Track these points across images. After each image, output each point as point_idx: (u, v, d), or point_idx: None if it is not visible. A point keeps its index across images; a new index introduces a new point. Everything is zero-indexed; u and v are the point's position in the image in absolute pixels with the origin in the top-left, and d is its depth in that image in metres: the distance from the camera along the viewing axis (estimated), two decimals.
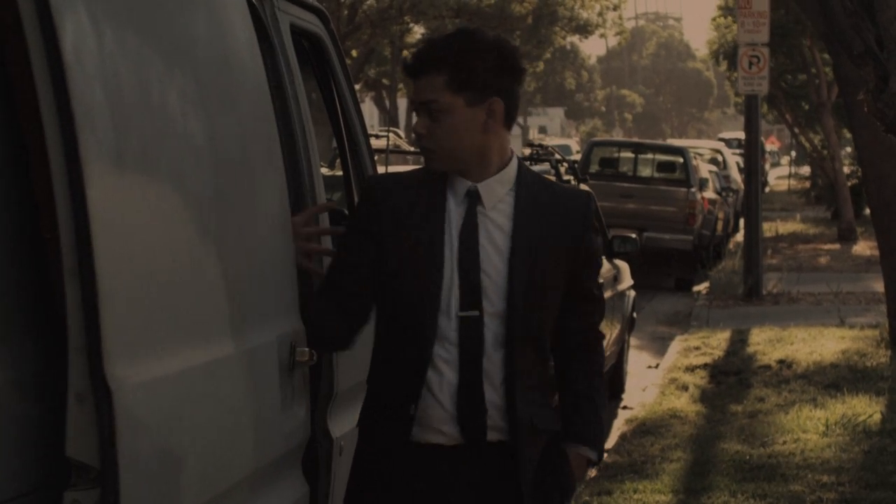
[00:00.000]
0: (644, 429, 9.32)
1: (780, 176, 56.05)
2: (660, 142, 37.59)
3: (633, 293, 11.79)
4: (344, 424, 3.74)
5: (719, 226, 23.99)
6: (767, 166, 51.50)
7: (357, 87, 36.41)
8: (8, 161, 2.47)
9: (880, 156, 11.93)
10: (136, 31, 2.60)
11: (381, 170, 4.67)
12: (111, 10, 2.53)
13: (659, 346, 14.25)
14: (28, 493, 2.38)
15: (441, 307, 3.27)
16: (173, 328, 2.62)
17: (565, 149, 45.21)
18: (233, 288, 2.89)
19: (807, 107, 32.96)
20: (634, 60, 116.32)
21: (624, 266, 11.45)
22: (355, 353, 3.51)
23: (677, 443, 8.76)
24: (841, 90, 13.32)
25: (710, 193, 22.75)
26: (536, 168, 12.60)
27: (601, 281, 10.24)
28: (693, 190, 20.44)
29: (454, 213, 3.31)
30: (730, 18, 32.92)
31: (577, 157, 27.75)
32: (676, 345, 13.67)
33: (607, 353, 10.39)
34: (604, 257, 10.88)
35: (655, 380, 11.68)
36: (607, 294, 10.32)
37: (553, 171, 10.06)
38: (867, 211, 19.08)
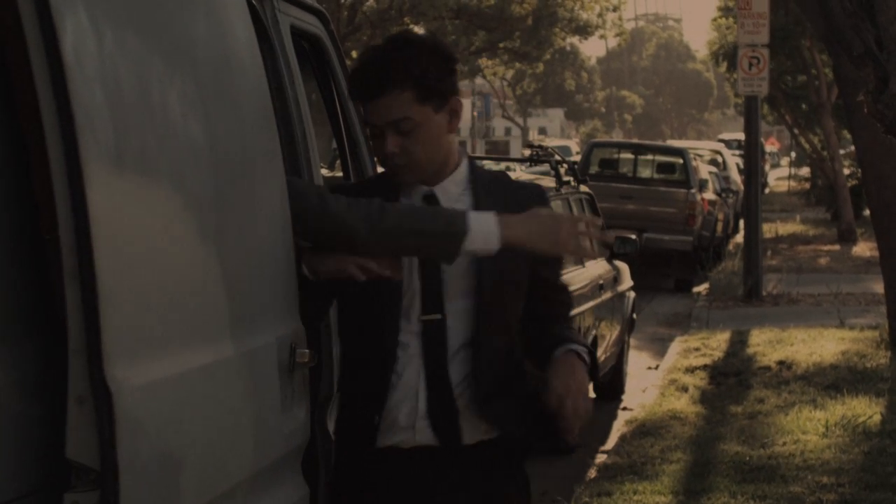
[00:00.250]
0: (644, 430, 9.32)
1: (779, 177, 56.05)
2: (660, 143, 37.63)
3: (632, 294, 11.79)
4: None
5: (719, 227, 24.00)
6: (767, 167, 51.52)
7: None
8: (8, 161, 2.46)
9: (880, 157, 11.93)
10: (137, 32, 2.60)
11: (380, 170, 4.67)
12: (111, 11, 2.52)
13: (659, 347, 14.25)
14: (28, 494, 2.38)
15: (402, 312, 3.27)
16: (173, 330, 2.62)
17: (565, 150, 45.26)
18: (233, 289, 2.89)
19: (806, 108, 32.95)
20: (634, 61, 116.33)
21: (624, 267, 11.45)
22: None
23: (677, 444, 8.76)
24: (841, 91, 13.32)
25: (709, 194, 22.76)
26: (536, 169, 12.61)
27: (601, 282, 10.26)
28: (693, 191, 20.45)
29: None
30: (730, 19, 32.91)
31: (577, 158, 27.76)
32: (676, 346, 13.67)
33: (607, 355, 10.39)
34: (604, 258, 10.89)
35: (655, 381, 11.68)
36: (607, 295, 10.33)
37: (553, 173, 10.05)
38: (867, 212, 19.08)
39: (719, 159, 31.73)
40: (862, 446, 8.42)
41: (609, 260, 10.99)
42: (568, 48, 74.42)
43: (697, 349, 13.12)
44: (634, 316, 11.95)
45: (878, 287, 14.42)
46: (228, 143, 2.97)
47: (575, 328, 3.66)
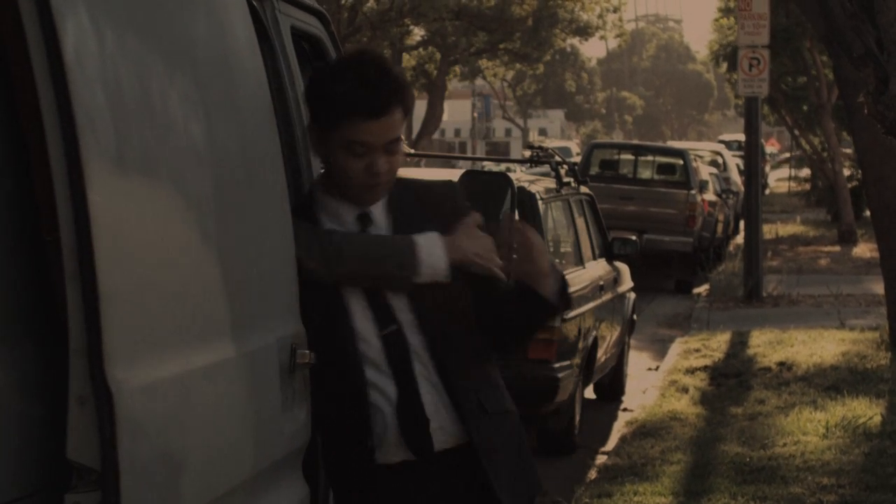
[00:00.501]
0: (644, 431, 9.32)
1: (780, 178, 56.07)
2: (660, 144, 37.63)
3: (633, 295, 11.79)
4: None
5: (719, 228, 24.01)
6: (767, 168, 51.52)
7: None
8: (9, 162, 2.46)
9: (880, 158, 11.93)
10: (137, 33, 2.60)
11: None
12: (112, 12, 2.53)
13: (659, 348, 14.26)
14: (29, 495, 2.38)
15: (358, 333, 3.28)
16: (174, 330, 2.62)
17: (565, 151, 45.26)
18: (233, 290, 2.89)
19: (807, 109, 32.95)
20: (634, 62, 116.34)
21: (624, 268, 11.45)
22: None
23: (677, 445, 8.76)
24: (841, 92, 13.33)
25: (710, 195, 22.76)
26: (536, 170, 12.62)
27: (601, 283, 10.26)
28: (693, 192, 20.45)
29: None
30: (731, 19, 32.92)
31: (578, 159, 27.76)
32: (676, 347, 13.68)
33: (607, 356, 10.39)
34: (604, 259, 10.89)
35: (655, 382, 11.68)
36: (607, 296, 10.33)
37: (553, 174, 10.06)
38: (867, 213, 19.08)
39: (719, 160, 31.73)
40: (862, 447, 8.42)
41: (609, 261, 11.00)
42: (568, 49, 74.50)
43: (698, 350, 13.12)
44: (635, 317, 11.95)
45: (879, 288, 14.42)
46: (229, 144, 2.97)
47: None
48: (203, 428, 2.71)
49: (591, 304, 9.53)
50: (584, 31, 41.75)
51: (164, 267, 2.60)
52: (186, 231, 2.72)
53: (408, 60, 42.85)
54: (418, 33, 40.82)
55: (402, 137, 3.28)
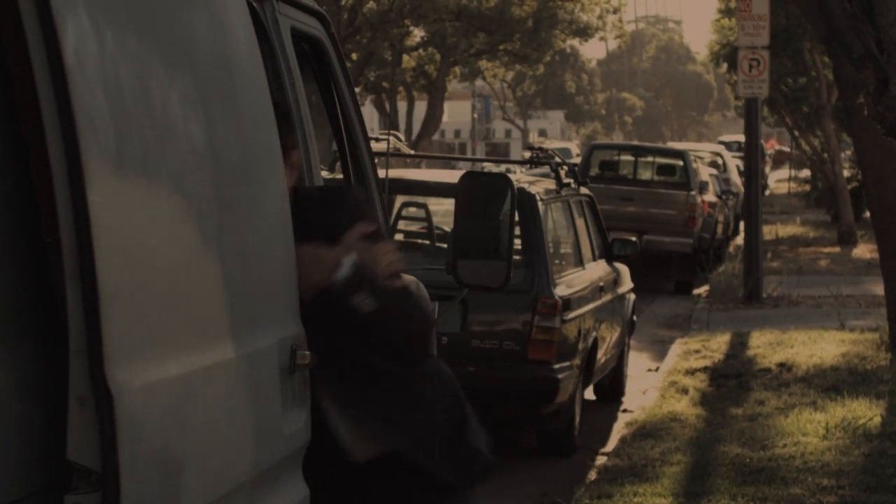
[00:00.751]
0: (644, 432, 9.32)
1: (780, 179, 56.06)
2: (660, 145, 37.62)
3: (632, 296, 11.79)
4: None
5: (719, 229, 24.00)
6: (767, 169, 51.51)
7: (357, 90, 36.38)
8: (9, 163, 2.46)
9: (880, 159, 11.94)
10: (137, 34, 2.60)
11: (381, 173, 4.67)
12: (112, 13, 2.52)
13: (659, 349, 14.26)
14: (29, 496, 2.38)
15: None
16: (174, 331, 2.62)
17: (565, 152, 45.23)
18: (233, 291, 2.89)
19: (807, 110, 32.94)
20: (634, 63, 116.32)
21: (624, 269, 11.46)
22: None
23: (677, 446, 8.76)
24: (841, 93, 13.33)
25: (710, 196, 22.76)
26: (536, 171, 12.61)
27: (602, 284, 10.26)
28: (693, 193, 20.45)
29: None
30: (732, 20, 32.90)
31: (578, 160, 27.75)
32: (676, 348, 13.68)
33: (607, 356, 10.39)
34: (604, 260, 10.89)
35: (655, 383, 11.69)
36: (607, 297, 10.33)
37: (553, 175, 10.06)
38: (867, 214, 19.08)
39: (719, 161, 31.72)
40: (862, 448, 8.42)
41: (609, 262, 11.00)
42: (568, 50, 74.50)
43: (698, 351, 13.12)
44: (635, 318, 11.95)
45: (879, 289, 14.42)
46: (229, 145, 2.97)
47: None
48: (203, 429, 2.71)
49: (591, 305, 9.54)
50: (584, 32, 41.75)
51: (164, 268, 2.60)
52: (186, 232, 2.72)
53: (408, 61, 42.88)
54: (418, 34, 40.83)
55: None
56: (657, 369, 12.75)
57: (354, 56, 35.68)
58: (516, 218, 4.83)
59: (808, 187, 44.35)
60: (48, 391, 2.43)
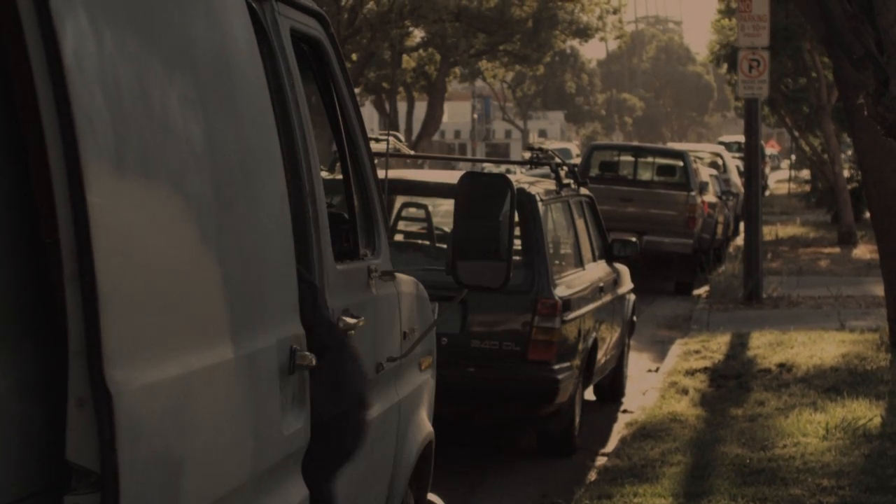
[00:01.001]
0: (644, 432, 9.32)
1: (780, 179, 56.07)
2: (660, 145, 37.62)
3: (632, 297, 11.79)
4: None
5: (719, 229, 23.99)
6: (767, 170, 51.51)
7: (357, 90, 36.42)
8: (9, 163, 2.46)
9: (880, 159, 11.93)
10: (137, 35, 2.60)
11: (380, 174, 4.67)
12: (111, 13, 2.52)
13: (659, 349, 14.25)
14: (28, 496, 2.38)
15: None
16: (173, 332, 2.62)
17: (565, 152, 45.24)
18: (233, 292, 2.89)
19: (807, 110, 32.94)
20: (634, 64, 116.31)
21: (624, 270, 11.45)
22: None
23: (677, 446, 8.76)
24: (841, 94, 13.32)
25: (710, 197, 22.75)
26: (536, 172, 12.61)
27: (601, 285, 10.26)
28: (693, 193, 20.44)
29: None
30: (732, 20, 32.90)
31: (577, 160, 27.75)
32: (676, 348, 13.68)
33: (607, 357, 10.39)
34: (604, 261, 10.89)
35: (655, 383, 11.68)
36: (607, 298, 10.33)
37: (553, 175, 10.06)
38: (867, 215, 19.08)
39: (719, 162, 31.71)
40: (862, 449, 8.41)
41: (609, 262, 11.00)
42: (568, 51, 74.51)
43: (697, 352, 13.11)
44: (635, 318, 11.95)
45: (879, 289, 14.42)
46: (228, 145, 2.97)
47: None
48: (203, 429, 2.71)
49: (591, 306, 9.53)
50: (584, 33, 41.73)
51: (163, 268, 2.60)
52: (186, 232, 2.72)
53: (408, 62, 42.87)
54: (418, 35, 40.83)
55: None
56: (657, 370, 12.75)
57: (354, 56, 35.67)
58: (516, 218, 4.82)
59: (808, 188, 44.36)
60: (48, 392, 2.43)
